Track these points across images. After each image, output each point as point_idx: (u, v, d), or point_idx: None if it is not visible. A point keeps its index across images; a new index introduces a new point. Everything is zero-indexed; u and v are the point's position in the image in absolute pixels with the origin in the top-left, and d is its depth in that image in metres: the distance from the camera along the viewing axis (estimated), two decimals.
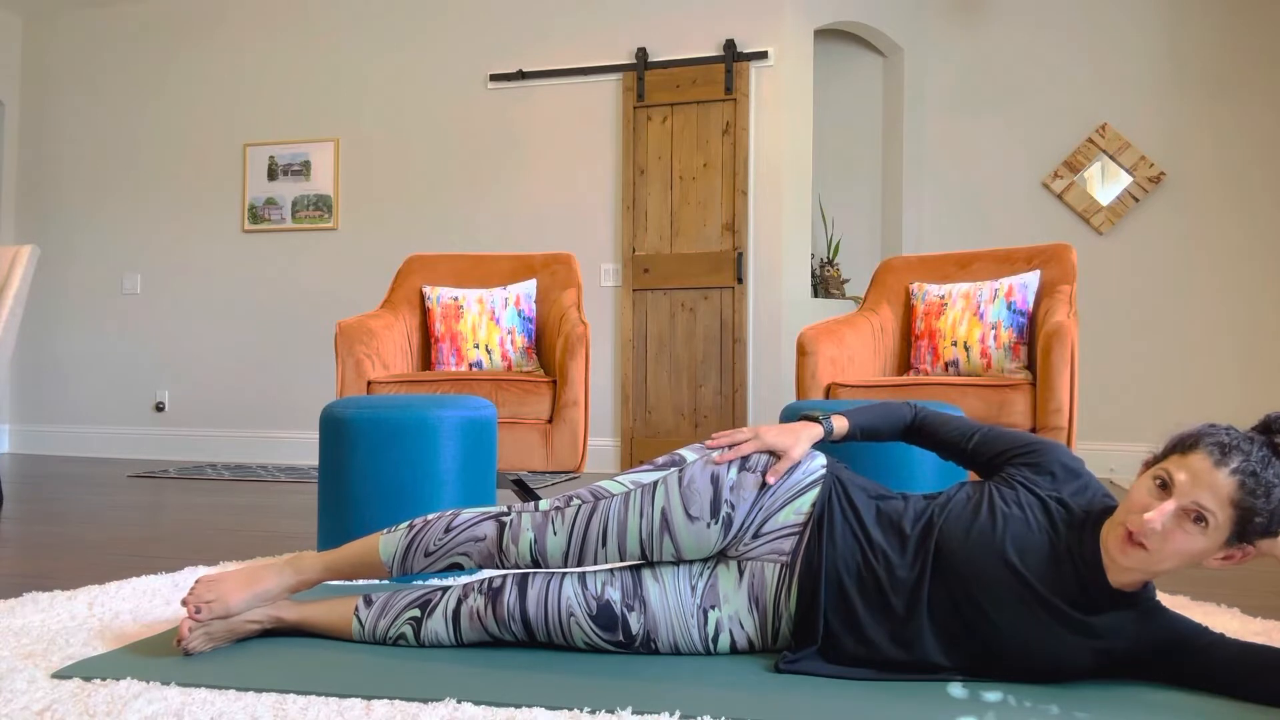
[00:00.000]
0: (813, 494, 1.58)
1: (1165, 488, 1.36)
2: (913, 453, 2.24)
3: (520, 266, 3.92)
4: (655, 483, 1.61)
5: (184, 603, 1.60)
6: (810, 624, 1.52)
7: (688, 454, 1.64)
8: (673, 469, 1.62)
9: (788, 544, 1.56)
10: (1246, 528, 1.34)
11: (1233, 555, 1.38)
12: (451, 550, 1.64)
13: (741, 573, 1.57)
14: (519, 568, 1.64)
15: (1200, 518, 1.33)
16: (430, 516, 1.69)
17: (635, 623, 1.57)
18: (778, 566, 1.56)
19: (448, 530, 1.65)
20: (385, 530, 1.71)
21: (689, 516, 1.56)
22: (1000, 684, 1.47)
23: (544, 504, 1.65)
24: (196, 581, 1.62)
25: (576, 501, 1.62)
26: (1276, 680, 1.36)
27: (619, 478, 1.65)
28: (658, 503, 1.58)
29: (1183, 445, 1.40)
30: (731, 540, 1.58)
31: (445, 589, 1.66)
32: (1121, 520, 1.39)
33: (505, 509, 1.67)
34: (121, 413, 5.92)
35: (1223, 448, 1.34)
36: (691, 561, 1.60)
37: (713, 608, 1.58)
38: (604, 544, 1.59)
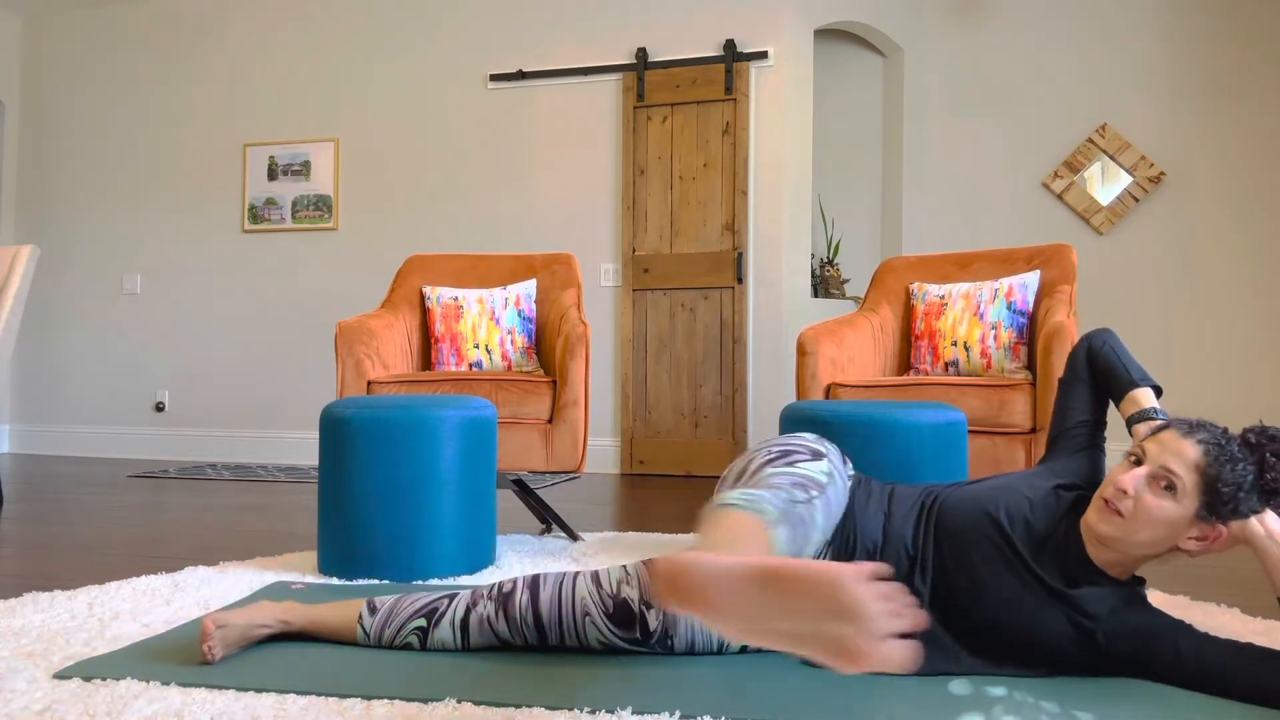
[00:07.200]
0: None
1: (1139, 463, 1.48)
2: (912, 460, 2.23)
3: (520, 266, 3.92)
4: (834, 475, 1.51)
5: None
6: None
7: (811, 441, 1.56)
8: (823, 459, 1.53)
9: None
10: (1214, 500, 1.42)
11: (1206, 536, 1.45)
12: None
13: None
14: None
15: (1170, 485, 1.42)
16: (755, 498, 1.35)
17: (654, 620, 1.56)
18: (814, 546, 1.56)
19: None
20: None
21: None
22: (1002, 680, 1.48)
23: (795, 492, 1.41)
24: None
25: (814, 491, 1.44)
26: (1269, 678, 1.38)
27: (806, 466, 1.48)
28: (843, 499, 1.54)
29: (1156, 430, 1.52)
30: None
31: (451, 596, 1.65)
32: (1100, 494, 1.50)
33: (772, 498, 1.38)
34: (121, 413, 5.92)
35: (1190, 424, 1.47)
36: None
37: None
38: (818, 536, 1.44)
